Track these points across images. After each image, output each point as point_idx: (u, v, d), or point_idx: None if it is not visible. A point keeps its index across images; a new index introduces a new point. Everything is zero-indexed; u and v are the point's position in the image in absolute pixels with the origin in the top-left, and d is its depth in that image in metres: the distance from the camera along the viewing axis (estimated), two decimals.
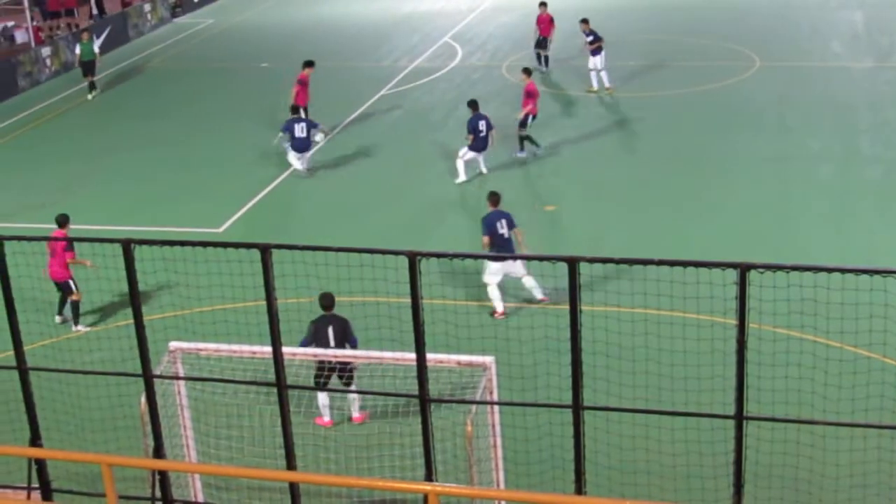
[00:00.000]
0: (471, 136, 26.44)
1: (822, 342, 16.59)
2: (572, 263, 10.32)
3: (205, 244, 11.44)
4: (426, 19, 45.95)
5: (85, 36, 37.18)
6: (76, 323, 20.53)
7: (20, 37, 43.24)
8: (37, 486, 13.59)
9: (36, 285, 21.56)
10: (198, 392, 14.74)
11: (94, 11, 45.51)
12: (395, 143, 30.34)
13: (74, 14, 46.34)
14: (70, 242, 19.91)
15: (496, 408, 13.02)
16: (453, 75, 37.19)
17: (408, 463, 14.64)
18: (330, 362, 15.32)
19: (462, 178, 26.62)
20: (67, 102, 36.54)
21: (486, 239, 19.61)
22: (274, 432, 13.03)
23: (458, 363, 12.94)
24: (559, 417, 12.36)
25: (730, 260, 10.09)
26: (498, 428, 13.16)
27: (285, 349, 11.90)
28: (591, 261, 10.43)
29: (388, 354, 13.48)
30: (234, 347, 13.69)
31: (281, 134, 28.04)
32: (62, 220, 20.56)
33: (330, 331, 16.22)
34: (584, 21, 33.92)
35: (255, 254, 11.18)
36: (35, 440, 13.16)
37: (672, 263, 10.18)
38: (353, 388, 15.99)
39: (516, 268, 19.80)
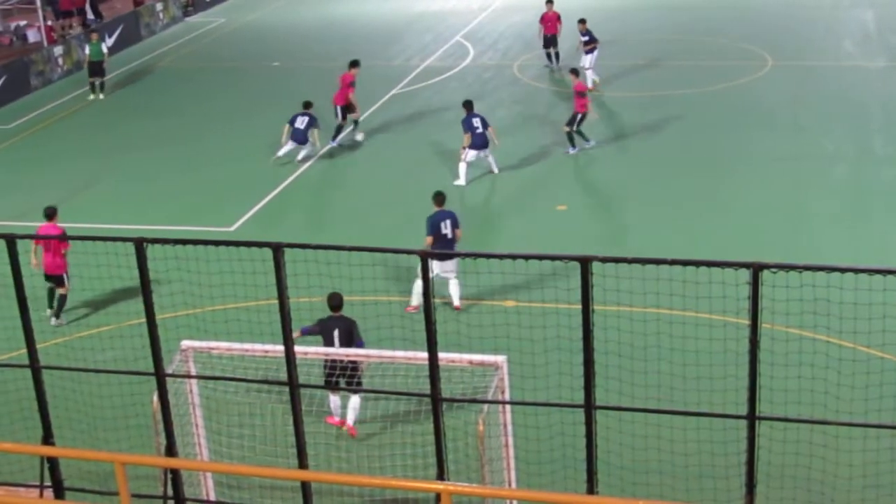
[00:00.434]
0: (468, 136, 26.41)
1: (835, 342, 16.55)
2: (585, 263, 10.31)
3: (217, 243, 11.44)
4: (438, 18, 45.94)
5: (94, 36, 37.18)
6: (57, 316, 20.66)
7: (32, 36, 43.33)
8: (49, 484, 13.61)
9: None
10: (210, 391, 14.75)
11: (90, 16, 45.30)
12: (407, 142, 30.33)
13: (86, 13, 46.35)
14: (64, 233, 20.15)
15: (508, 407, 13.01)
16: (465, 74, 37.18)
17: (420, 462, 14.64)
18: (339, 363, 15.28)
19: (461, 181, 26.56)
20: (79, 101, 36.60)
21: (428, 239, 19.74)
22: (286, 431, 13.04)
23: (470, 362, 12.94)
24: (571, 417, 12.35)
25: (742, 259, 10.06)
26: (510, 427, 13.15)
27: (297, 348, 11.91)
28: (604, 260, 10.41)
29: (399, 353, 13.48)
30: (247, 346, 13.69)
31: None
32: (51, 213, 20.70)
33: (336, 333, 16.19)
34: (582, 21, 34.31)
35: (268, 253, 11.18)
36: (47, 438, 13.19)
37: (685, 263, 10.16)
38: (360, 391, 15.99)
39: (448, 268, 19.94)
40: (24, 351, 12.83)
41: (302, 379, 12.25)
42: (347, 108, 29.52)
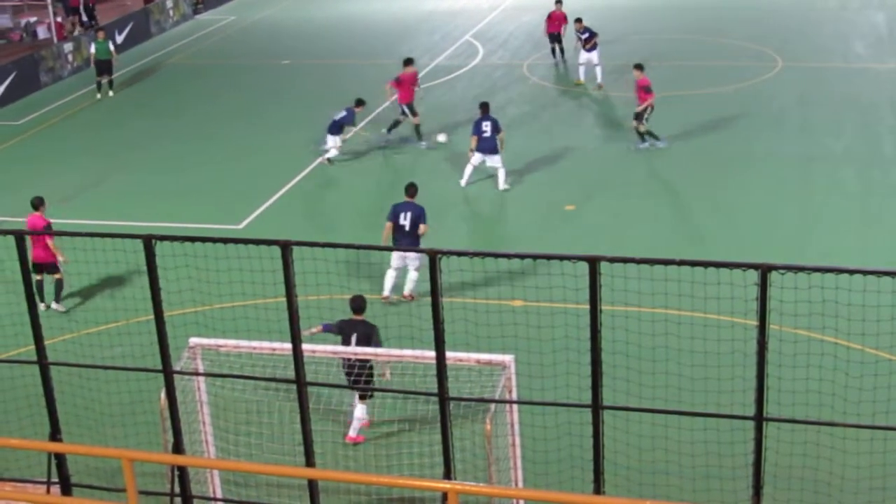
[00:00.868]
0: (474, 138, 26.32)
1: (843, 344, 16.52)
2: (593, 263, 10.31)
3: (225, 240, 11.46)
4: (447, 18, 45.94)
5: (101, 35, 37.18)
6: (57, 300, 20.85)
7: (42, 32, 43.42)
8: (56, 480, 13.64)
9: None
10: (217, 388, 14.77)
11: (84, 18, 45.25)
12: (415, 142, 30.32)
13: (93, 11, 46.39)
14: (48, 224, 20.60)
15: (515, 407, 13.01)
16: (474, 74, 37.18)
17: (426, 461, 14.65)
18: (355, 367, 15.23)
19: (464, 181, 26.59)
20: (89, 98, 36.65)
21: (388, 224, 20.52)
22: (293, 429, 13.06)
23: (478, 362, 12.94)
24: (578, 417, 12.34)
25: (751, 261, 10.06)
26: (517, 427, 13.14)
27: (305, 346, 11.92)
28: (612, 260, 10.41)
29: (407, 353, 13.49)
30: (254, 344, 13.71)
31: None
32: (37, 203, 20.83)
33: (354, 337, 16.09)
34: (578, 20, 34.63)
35: (276, 250, 11.19)
36: (55, 435, 13.22)
37: (693, 264, 10.16)
38: (368, 396, 15.97)
39: (410, 258, 20.53)
40: (32, 347, 12.87)
41: (310, 377, 12.27)
42: (411, 107, 29.51)
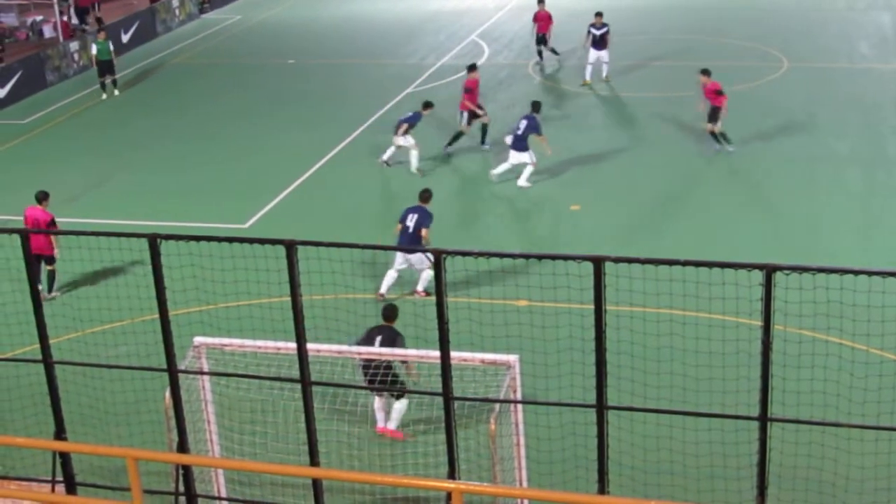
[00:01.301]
0: (542, 137, 26.70)
1: (847, 345, 16.51)
2: (598, 263, 10.31)
3: (230, 240, 11.47)
4: (453, 17, 45.94)
5: (101, 35, 37.16)
6: (50, 290, 21.24)
7: (48, 31, 43.45)
8: (61, 479, 13.66)
9: (62, 278, 21.75)
10: (222, 387, 14.77)
11: (74, 21, 45.18)
12: (421, 142, 30.29)
13: (96, 10, 46.39)
14: (52, 218, 20.97)
15: (520, 406, 13.00)
16: (479, 73, 37.05)
17: (431, 461, 14.65)
18: (374, 367, 15.22)
19: (497, 170, 26.79)
20: (94, 97, 36.67)
21: (398, 226, 20.95)
22: (297, 428, 13.06)
23: (483, 361, 12.94)
24: (583, 417, 12.34)
25: (756, 261, 10.05)
26: (521, 426, 13.14)
27: (310, 345, 11.92)
28: (617, 260, 10.40)
29: (412, 352, 13.49)
30: (259, 343, 13.71)
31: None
32: (41, 196, 21.01)
33: (377, 341, 16.09)
34: (599, 14, 34.50)
35: (281, 250, 11.20)
36: (60, 434, 13.23)
37: (698, 264, 10.15)
38: (384, 395, 15.98)
39: (413, 261, 20.75)
40: (37, 346, 12.88)
41: (314, 376, 12.28)
42: (473, 115, 29.33)
